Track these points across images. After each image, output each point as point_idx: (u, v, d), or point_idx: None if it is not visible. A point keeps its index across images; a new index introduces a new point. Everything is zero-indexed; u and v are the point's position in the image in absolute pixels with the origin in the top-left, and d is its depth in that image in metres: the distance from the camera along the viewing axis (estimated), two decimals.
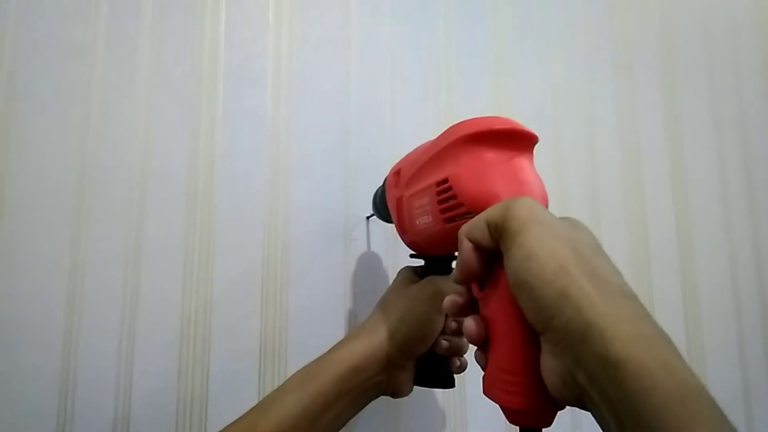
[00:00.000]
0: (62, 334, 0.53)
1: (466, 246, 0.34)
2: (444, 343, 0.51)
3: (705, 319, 0.85)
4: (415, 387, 0.53)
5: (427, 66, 0.75)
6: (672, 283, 0.85)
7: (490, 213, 0.32)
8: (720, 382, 0.84)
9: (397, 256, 0.66)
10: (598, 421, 0.26)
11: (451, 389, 0.53)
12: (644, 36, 0.92)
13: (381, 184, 0.57)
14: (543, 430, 0.32)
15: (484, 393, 0.34)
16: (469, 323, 0.34)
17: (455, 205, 0.39)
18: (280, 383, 0.49)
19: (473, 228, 0.33)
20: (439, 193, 0.40)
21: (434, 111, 0.74)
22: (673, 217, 0.87)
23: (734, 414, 0.81)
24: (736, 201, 0.93)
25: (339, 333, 0.63)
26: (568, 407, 0.30)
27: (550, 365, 0.28)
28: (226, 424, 0.45)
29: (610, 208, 0.83)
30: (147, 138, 0.59)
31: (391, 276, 0.65)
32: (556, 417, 0.32)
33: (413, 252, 0.53)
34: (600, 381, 0.25)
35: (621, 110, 0.87)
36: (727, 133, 0.95)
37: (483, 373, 0.34)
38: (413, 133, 0.70)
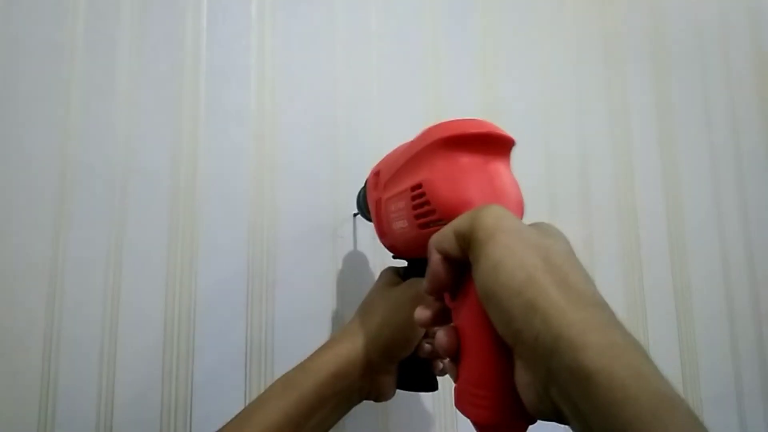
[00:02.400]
0: (42, 339, 0.52)
1: (435, 258, 0.33)
2: (427, 346, 0.50)
3: (697, 316, 0.84)
4: (401, 391, 0.52)
5: (414, 61, 0.73)
6: (663, 280, 0.84)
7: (458, 223, 0.31)
8: (712, 379, 0.83)
9: (383, 255, 0.65)
10: None
11: (434, 392, 0.53)
12: (634, 29, 0.90)
13: (364, 183, 0.56)
14: None
15: (455, 405, 0.33)
16: (440, 335, 0.33)
17: (428, 212, 0.38)
18: (267, 385, 0.48)
19: (442, 238, 0.32)
20: (413, 198, 0.39)
21: (422, 107, 0.73)
22: (664, 212, 0.86)
23: (727, 411, 0.82)
24: (727, 195, 0.92)
25: (325, 334, 0.62)
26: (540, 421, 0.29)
27: (523, 380, 0.28)
28: (210, 428, 0.45)
29: (600, 202, 0.81)
30: (128, 137, 0.58)
31: (377, 276, 0.64)
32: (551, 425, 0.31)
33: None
34: (571, 394, 0.24)
35: (611, 104, 0.86)
36: (718, 126, 0.93)
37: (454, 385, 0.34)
38: (401, 130, 0.68)
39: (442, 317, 0.36)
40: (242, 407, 0.47)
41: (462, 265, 0.32)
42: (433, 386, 0.52)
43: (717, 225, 0.90)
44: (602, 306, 0.27)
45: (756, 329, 0.88)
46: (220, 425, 0.45)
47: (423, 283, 0.35)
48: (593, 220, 0.80)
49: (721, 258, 0.89)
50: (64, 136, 0.56)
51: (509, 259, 0.28)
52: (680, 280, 0.84)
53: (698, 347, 0.83)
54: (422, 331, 0.49)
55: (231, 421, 0.46)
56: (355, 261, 0.65)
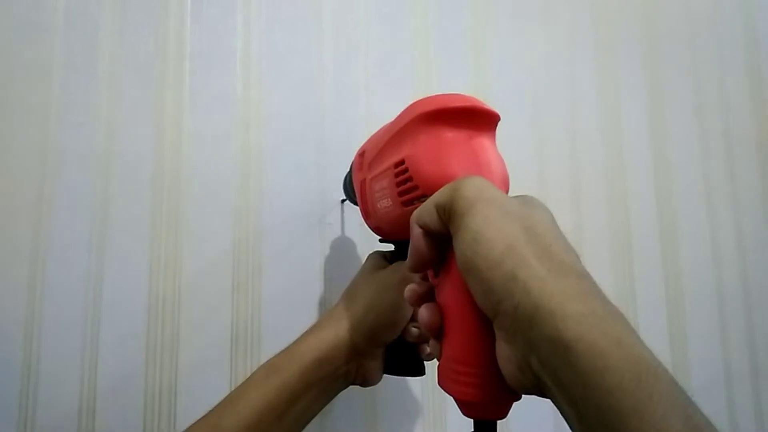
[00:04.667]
0: (23, 324, 0.52)
1: (416, 232, 0.32)
2: (414, 330, 0.49)
3: (687, 304, 0.84)
4: (388, 376, 0.52)
5: (403, 44, 0.73)
6: (654, 267, 0.83)
7: (438, 195, 0.31)
8: (702, 366, 0.83)
9: (371, 241, 0.64)
10: (557, 408, 0.25)
11: (422, 377, 0.52)
12: (626, 15, 0.89)
13: (350, 166, 0.55)
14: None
15: (438, 384, 0.33)
16: (423, 311, 0.33)
17: (411, 188, 0.37)
18: (253, 371, 0.48)
19: (423, 212, 0.32)
20: (396, 175, 0.39)
21: (411, 91, 0.72)
22: (654, 199, 0.86)
23: (716, 397, 0.82)
24: (718, 183, 0.91)
25: (312, 319, 0.62)
26: (525, 398, 0.29)
27: (504, 353, 0.27)
28: (195, 415, 0.45)
29: (591, 189, 0.81)
30: (110, 121, 0.58)
31: None
32: (540, 412, 0.30)
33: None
34: (552, 365, 0.24)
35: (603, 91, 0.85)
36: (709, 112, 0.93)
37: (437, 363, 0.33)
38: (389, 115, 0.67)
39: (431, 295, 0.35)
40: (227, 394, 0.46)
41: (444, 239, 0.31)
42: (419, 371, 0.52)
43: (707, 211, 0.89)
44: (583, 275, 0.26)
45: (746, 317, 0.88)
46: (204, 411, 0.45)
47: (407, 261, 0.34)
48: (583, 206, 0.79)
49: (711, 245, 0.88)
50: (44, 120, 0.56)
51: (489, 230, 0.27)
52: (670, 267, 0.84)
53: (688, 334, 0.83)
54: (408, 315, 0.48)
55: (213, 408, 0.45)
56: (342, 247, 0.64)
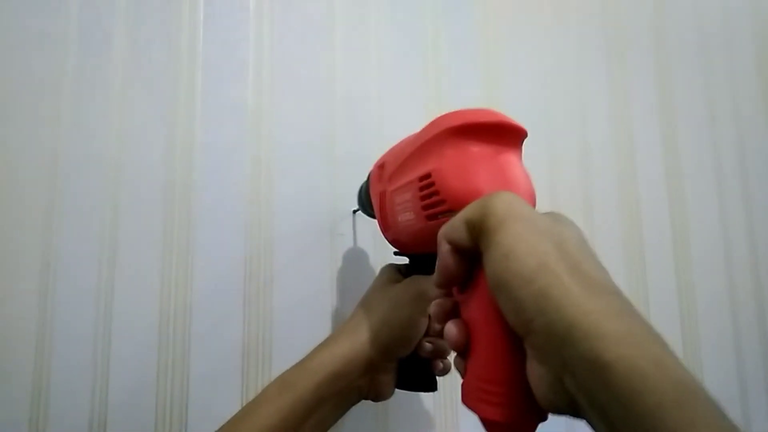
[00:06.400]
0: (34, 337, 0.51)
1: (444, 249, 0.32)
2: (427, 345, 0.49)
3: (701, 315, 0.83)
4: (400, 390, 0.51)
5: (414, 55, 0.73)
6: (667, 278, 0.83)
7: (468, 211, 0.31)
8: (716, 378, 0.82)
9: (384, 252, 0.64)
10: (592, 429, 0.25)
11: (434, 392, 0.52)
12: (637, 23, 0.90)
13: (366, 178, 0.55)
14: None
15: (462, 402, 0.32)
16: (450, 328, 0.32)
17: (437, 202, 0.37)
18: (265, 384, 0.47)
19: (451, 229, 0.31)
20: (421, 189, 0.38)
21: (422, 101, 0.72)
22: (667, 210, 0.85)
23: (731, 411, 0.81)
24: (731, 192, 0.91)
25: (324, 332, 0.61)
26: (552, 416, 0.28)
27: (536, 372, 0.27)
28: (207, 428, 0.45)
29: (602, 199, 0.81)
30: (122, 131, 0.57)
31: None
32: (550, 423, 0.30)
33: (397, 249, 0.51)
34: (588, 385, 0.23)
35: (613, 99, 0.85)
36: (721, 123, 0.93)
37: (462, 381, 0.32)
38: (400, 125, 0.67)
39: (456, 311, 0.35)
40: (239, 407, 0.46)
41: (473, 256, 0.31)
42: (432, 386, 0.51)
43: (720, 222, 0.89)
44: (617, 294, 0.26)
45: (760, 327, 0.88)
46: (216, 424, 0.44)
47: (432, 277, 0.34)
48: (595, 216, 0.79)
49: (724, 255, 0.88)
50: (56, 129, 0.55)
51: (520, 246, 0.27)
52: (683, 277, 0.84)
53: (701, 345, 0.82)
54: (423, 330, 0.48)
55: (225, 424, 0.45)
56: (355, 258, 0.64)
